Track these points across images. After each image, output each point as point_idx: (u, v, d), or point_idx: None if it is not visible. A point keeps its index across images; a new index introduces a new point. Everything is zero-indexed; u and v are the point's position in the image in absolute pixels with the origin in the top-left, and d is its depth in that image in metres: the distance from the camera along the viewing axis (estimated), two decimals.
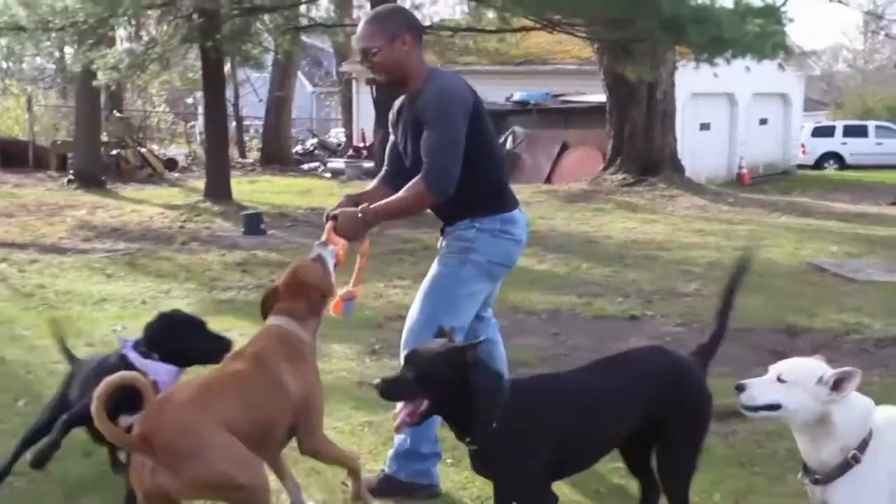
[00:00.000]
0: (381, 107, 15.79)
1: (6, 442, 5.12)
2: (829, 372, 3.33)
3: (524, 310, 8.97)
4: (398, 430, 3.87)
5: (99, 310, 8.76)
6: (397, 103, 4.76)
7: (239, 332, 7.66)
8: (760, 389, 3.40)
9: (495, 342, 4.99)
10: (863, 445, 3.34)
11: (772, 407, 3.38)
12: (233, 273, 10.80)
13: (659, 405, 3.78)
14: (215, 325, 7.87)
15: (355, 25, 19.82)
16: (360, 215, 4.50)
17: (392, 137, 4.81)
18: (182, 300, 9.23)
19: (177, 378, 4.35)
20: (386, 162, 4.89)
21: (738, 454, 5.09)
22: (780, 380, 3.39)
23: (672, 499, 3.86)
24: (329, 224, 4.51)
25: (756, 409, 3.41)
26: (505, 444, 3.58)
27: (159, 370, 4.26)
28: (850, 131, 36.87)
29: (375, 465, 4.91)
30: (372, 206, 4.55)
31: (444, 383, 3.55)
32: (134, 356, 4.30)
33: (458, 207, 4.55)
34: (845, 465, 3.34)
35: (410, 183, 4.46)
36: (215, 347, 4.44)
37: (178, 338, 4.42)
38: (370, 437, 5.40)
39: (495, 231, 4.57)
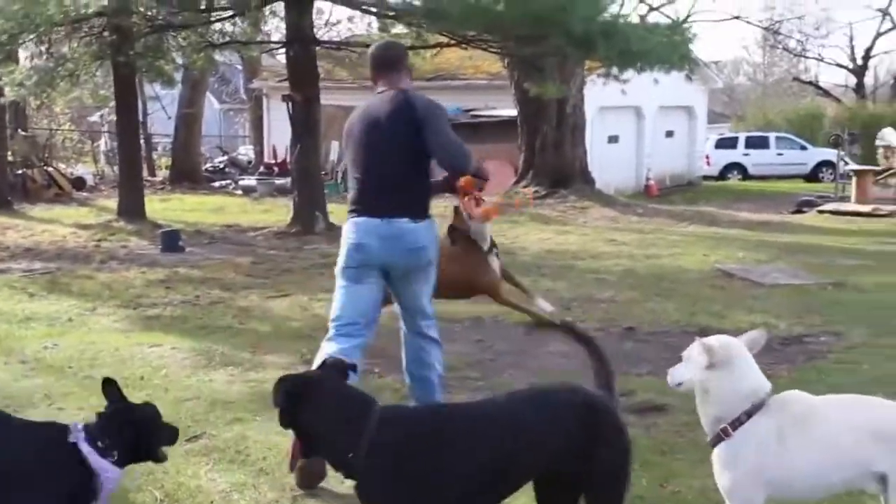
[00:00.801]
0: (298, 123, 15.91)
1: None
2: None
3: (447, 318, 9.13)
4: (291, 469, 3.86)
5: (26, 328, 8.74)
6: None
7: (170, 346, 7.83)
8: (672, 374, 3.84)
9: (420, 348, 5.64)
10: (737, 422, 3.60)
11: (680, 384, 3.80)
12: (156, 290, 10.84)
13: (573, 446, 3.62)
14: (145, 340, 8.05)
15: (271, 42, 19.99)
16: None
17: None
18: (109, 317, 9.27)
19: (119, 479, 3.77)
20: None
21: (659, 444, 5.39)
22: (680, 357, 3.79)
23: None
24: None
25: (678, 385, 3.82)
26: (377, 481, 3.43)
27: (110, 472, 3.70)
28: (752, 143, 37.89)
29: None
30: None
31: (285, 416, 3.59)
32: (88, 451, 3.65)
33: None
34: (718, 438, 3.66)
35: None
36: (169, 438, 4.02)
37: (144, 434, 3.86)
38: None
39: (343, 238, 5.47)
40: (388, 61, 5.62)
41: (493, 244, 8.16)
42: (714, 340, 3.71)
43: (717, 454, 3.69)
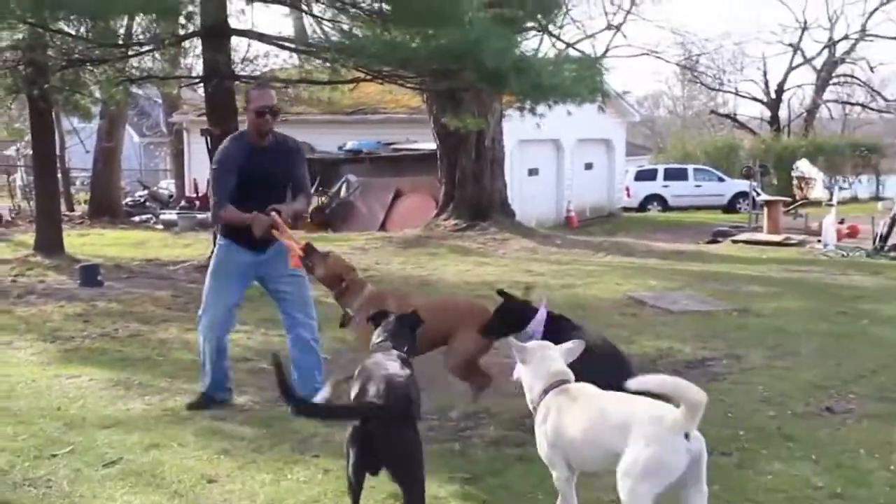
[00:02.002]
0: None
1: None
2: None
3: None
4: None
5: None
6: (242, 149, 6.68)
7: (88, 377, 7.90)
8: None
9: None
10: (538, 400, 4.63)
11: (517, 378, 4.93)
12: (74, 323, 10.82)
13: None
14: (63, 371, 8.10)
15: (188, 77, 20.04)
16: None
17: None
18: (26, 350, 9.27)
19: None
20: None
21: None
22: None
23: None
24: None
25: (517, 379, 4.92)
26: None
27: None
28: (670, 174, 38.72)
29: (232, 486, 5.24)
30: None
31: None
32: None
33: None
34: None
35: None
36: None
37: None
38: (227, 462, 5.71)
39: None
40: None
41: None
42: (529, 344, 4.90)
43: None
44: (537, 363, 4.71)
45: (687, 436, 4.03)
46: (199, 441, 6.06)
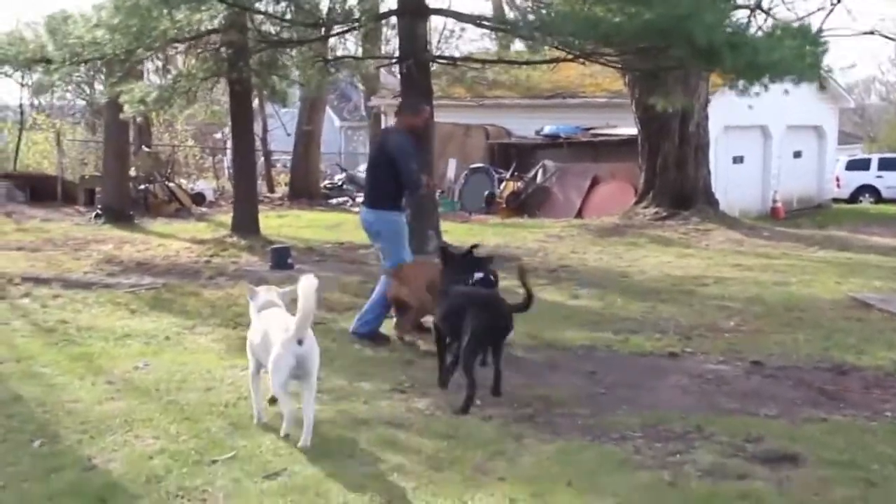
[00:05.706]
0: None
1: (17, 486, 4.87)
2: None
3: (559, 346, 8.63)
4: None
5: (121, 346, 8.47)
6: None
7: (264, 370, 7.43)
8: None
9: None
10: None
11: None
12: None
13: None
14: (238, 362, 7.69)
15: (385, 57, 19.75)
16: None
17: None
18: (206, 336, 8.95)
19: None
20: None
21: (793, 502, 4.73)
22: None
23: None
24: None
25: None
26: None
27: None
28: (886, 164, 36.39)
29: None
30: None
31: None
32: None
33: None
34: None
35: None
36: None
37: None
38: (401, 481, 5.07)
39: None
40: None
41: None
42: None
43: None
44: (259, 297, 6.35)
45: (301, 342, 5.57)
46: (372, 452, 5.45)
